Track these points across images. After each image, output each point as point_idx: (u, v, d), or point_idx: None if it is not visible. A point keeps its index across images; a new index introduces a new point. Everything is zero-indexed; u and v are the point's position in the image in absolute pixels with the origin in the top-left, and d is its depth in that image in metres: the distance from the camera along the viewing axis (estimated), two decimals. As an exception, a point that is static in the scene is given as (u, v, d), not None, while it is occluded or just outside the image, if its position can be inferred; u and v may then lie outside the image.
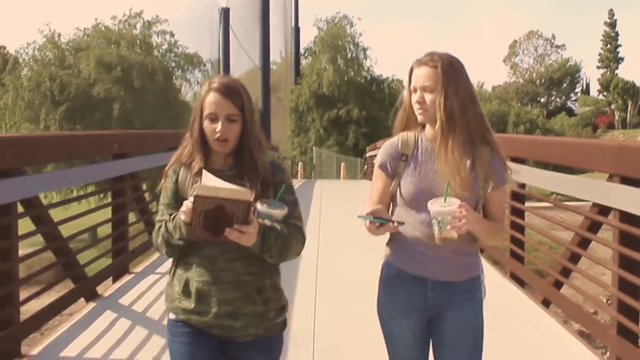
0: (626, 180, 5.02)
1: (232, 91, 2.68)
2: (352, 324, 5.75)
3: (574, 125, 72.14)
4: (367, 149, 30.29)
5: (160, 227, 2.68)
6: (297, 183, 17.17)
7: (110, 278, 7.31)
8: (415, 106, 2.88)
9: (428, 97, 2.83)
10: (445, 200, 2.73)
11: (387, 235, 3.01)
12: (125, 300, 6.53)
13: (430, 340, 3.03)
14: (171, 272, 2.82)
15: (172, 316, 2.79)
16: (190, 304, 2.69)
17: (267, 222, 2.60)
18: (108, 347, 5.17)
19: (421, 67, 2.87)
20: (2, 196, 4.78)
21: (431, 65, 2.83)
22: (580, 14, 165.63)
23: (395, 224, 2.76)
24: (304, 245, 2.77)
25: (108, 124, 35.97)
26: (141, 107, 37.69)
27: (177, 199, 2.72)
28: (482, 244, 3.06)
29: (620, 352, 5.10)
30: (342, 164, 36.09)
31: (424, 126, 2.97)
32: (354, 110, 48.47)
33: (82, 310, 6.18)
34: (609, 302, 5.87)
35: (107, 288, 6.98)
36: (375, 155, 21.98)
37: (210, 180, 2.51)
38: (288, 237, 2.66)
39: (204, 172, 2.61)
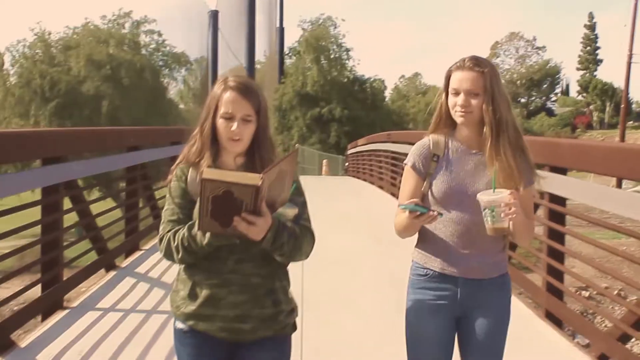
0: None
1: (250, 91, 2.63)
2: (336, 289, 6.89)
3: (554, 126, 73.12)
4: (349, 146, 30.93)
5: (176, 231, 2.61)
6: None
7: (124, 254, 8.51)
8: (457, 109, 2.91)
9: (474, 101, 2.87)
10: (494, 191, 2.79)
11: (414, 238, 3.10)
12: (138, 270, 7.73)
13: (457, 339, 3.09)
14: (176, 277, 2.78)
15: (178, 325, 2.73)
16: (195, 307, 2.63)
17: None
18: (132, 303, 6.36)
19: (465, 71, 2.90)
20: (53, 178, 5.98)
21: (477, 71, 2.87)
22: (561, 16, 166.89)
23: (435, 213, 2.78)
24: (313, 247, 2.72)
25: (97, 121, 36.73)
26: (129, 105, 38.44)
27: (187, 199, 2.66)
28: (517, 240, 3.10)
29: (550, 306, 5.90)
30: (324, 161, 37.02)
31: (454, 129, 3.04)
32: (337, 109, 49.20)
33: (104, 277, 7.36)
34: None
35: (122, 261, 8.17)
36: (356, 153, 22.88)
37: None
38: (300, 237, 2.61)
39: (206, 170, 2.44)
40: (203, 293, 2.62)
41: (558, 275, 6.05)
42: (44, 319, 5.88)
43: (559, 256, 6.08)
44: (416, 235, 3.07)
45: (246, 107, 2.60)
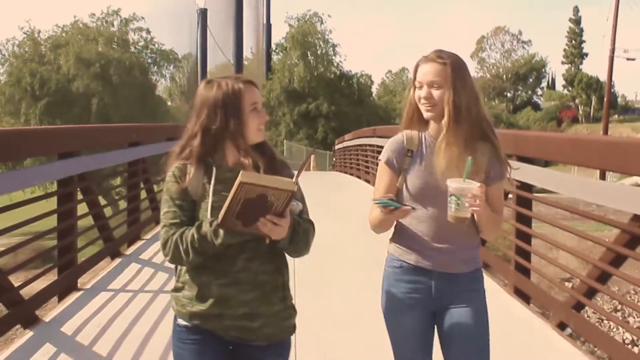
0: None
1: (257, 85, 2.72)
2: (324, 269, 7.50)
3: (539, 120, 73.72)
4: (336, 141, 31.33)
5: (182, 233, 2.57)
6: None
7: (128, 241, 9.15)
8: (422, 102, 2.91)
9: (435, 93, 2.86)
10: (464, 180, 2.76)
11: (389, 232, 3.11)
12: (142, 257, 8.36)
13: (437, 335, 3.10)
14: (177, 276, 2.75)
15: (180, 322, 2.71)
16: (204, 307, 2.62)
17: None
18: (139, 285, 6.99)
19: (428, 63, 2.90)
20: (69, 170, 6.61)
21: (440, 62, 2.86)
22: (546, 10, 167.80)
23: (409, 207, 2.79)
24: (313, 239, 2.73)
25: (87, 119, 36.67)
26: (119, 102, 38.54)
27: (188, 200, 2.63)
28: (482, 234, 3.08)
29: (517, 283, 6.53)
30: (312, 156, 37.77)
31: (426, 124, 3.02)
32: (324, 105, 49.79)
33: (111, 264, 7.97)
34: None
35: (125, 249, 8.79)
36: (343, 148, 23.35)
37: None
38: (308, 232, 2.66)
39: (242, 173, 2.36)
40: (213, 293, 2.60)
41: (526, 255, 6.66)
42: (60, 299, 6.49)
43: (526, 238, 6.67)
44: (392, 229, 3.10)
45: (260, 97, 2.72)
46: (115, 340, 5.28)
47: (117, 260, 8.09)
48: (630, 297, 11.71)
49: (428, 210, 2.95)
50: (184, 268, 2.68)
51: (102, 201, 13.84)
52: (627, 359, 5.01)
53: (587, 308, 6.31)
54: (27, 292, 5.74)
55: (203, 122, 2.63)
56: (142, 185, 10.03)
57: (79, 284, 6.86)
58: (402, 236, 3.06)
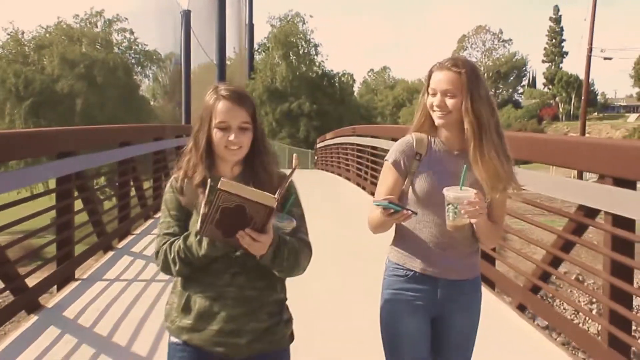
0: (620, 182, 4.82)
1: (243, 99, 2.58)
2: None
3: (520, 118, 74.35)
4: (318, 140, 31.57)
5: (172, 243, 2.54)
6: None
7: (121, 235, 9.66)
8: (435, 109, 2.87)
9: (449, 102, 2.82)
10: (461, 188, 2.74)
11: (390, 236, 3.10)
12: (133, 250, 8.89)
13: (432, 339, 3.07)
14: (172, 290, 2.70)
15: (172, 339, 2.66)
16: (189, 321, 2.57)
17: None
18: (132, 275, 7.50)
19: (443, 71, 2.85)
20: (66, 169, 7.13)
21: (455, 71, 2.82)
22: (527, 9, 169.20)
23: (410, 212, 2.72)
24: (310, 260, 2.66)
25: (71, 119, 37.26)
26: (103, 102, 39.14)
27: (182, 211, 2.60)
28: (481, 243, 3.05)
29: (483, 270, 7.04)
30: (294, 155, 38.19)
31: (436, 129, 2.97)
32: (306, 104, 50.23)
33: (104, 256, 8.48)
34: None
35: (117, 243, 9.31)
36: (324, 146, 23.76)
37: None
38: (299, 252, 2.55)
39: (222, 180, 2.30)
40: (197, 306, 2.56)
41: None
42: (59, 288, 6.98)
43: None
44: (392, 233, 3.06)
45: (242, 114, 2.55)
46: (113, 323, 5.76)
47: (110, 253, 8.60)
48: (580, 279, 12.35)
49: (434, 216, 2.90)
50: (177, 281, 2.65)
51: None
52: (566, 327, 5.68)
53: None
54: (28, 283, 6.24)
55: (194, 132, 2.65)
56: (131, 183, 10.57)
57: (76, 275, 7.36)
58: (405, 241, 3.01)
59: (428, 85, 2.92)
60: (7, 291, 5.94)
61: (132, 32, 43.47)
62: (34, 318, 5.90)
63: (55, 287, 7.03)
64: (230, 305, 2.54)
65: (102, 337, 5.48)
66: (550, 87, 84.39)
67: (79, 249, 7.74)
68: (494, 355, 4.88)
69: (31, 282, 6.32)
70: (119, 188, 10.25)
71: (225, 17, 37.38)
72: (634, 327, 5.37)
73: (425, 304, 2.97)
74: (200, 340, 2.57)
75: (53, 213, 7.36)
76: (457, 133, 2.90)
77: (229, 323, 2.54)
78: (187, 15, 36.26)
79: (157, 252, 2.59)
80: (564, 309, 11.36)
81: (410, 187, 2.94)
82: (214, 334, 2.55)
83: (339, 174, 20.94)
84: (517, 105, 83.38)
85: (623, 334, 4.69)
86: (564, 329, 5.80)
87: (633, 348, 4.89)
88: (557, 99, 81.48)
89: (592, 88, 77.65)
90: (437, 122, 2.89)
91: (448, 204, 2.74)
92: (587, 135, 51.93)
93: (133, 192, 10.84)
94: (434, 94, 2.87)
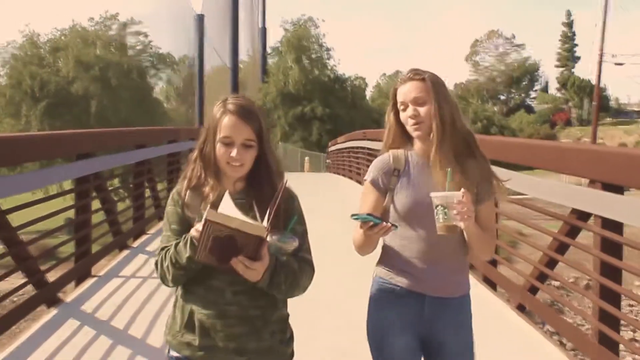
0: (608, 187, 5.08)
1: (250, 114, 2.53)
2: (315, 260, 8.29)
3: (533, 122, 74.10)
4: (330, 144, 31.92)
5: (166, 251, 2.52)
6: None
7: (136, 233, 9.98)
8: (409, 122, 2.83)
9: (421, 110, 2.79)
10: (447, 190, 2.69)
11: (376, 255, 3.03)
12: (148, 249, 9.20)
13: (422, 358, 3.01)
14: (174, 303, 2.67)
15: (173, 354, 2.63)
16: (194, 338, 2.54)
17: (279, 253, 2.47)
18: (147, 273, 7.80)
19: (408, 82, 2.84)
20: (87, 169, 7.48)
21: (418, 79, 2.81)
22: (539, 14, 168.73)
23: (389, 224, 2.67)
24: (312, 279, 2.63)
25: (86, 120, 37.59)
26: (117, 104, 39.34)
27: (184, 225, 2.55)
28: (473, 254, 2.98)
29: (486, 272, 7.32)
30: (306, 158, 38.42)
31: (411, 143, 2.95)
32: (318, 108, 50.28)
33: (119, 254, 8.79)
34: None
35: (132, 242, 9.63)
36: (336, 150, 23.97)
37: (227, 206, 2.35)
38: (299, 273, 2.53)
39: (226, 194, 2.43)
40: (199, 324, 2.53)
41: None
42: (77, 284, 7.29)
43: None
44: (379, 251, 3.01)
45: (247, 131, 2.50)
46: (129, 317, 6.07)
47: (125, 252, 8.92)
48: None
49: (417, 230, 2.85)
50: (179, 294, 2.63)
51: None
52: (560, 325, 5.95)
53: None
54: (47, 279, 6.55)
55: (199, 142, 2.61)
56: (146, 184, 10.90)
57: (93, 272, 7.68)
58: (391, 258, 2.95)
59: (395, 103, 2.90)
60: (27, 286, 6.22)
61: (146, 35, 43.76)
62: (53, 311, 6.20)
63: (73, 283, 7.31)
64: (233, 324, 2.52)
65: (118, 329, 5.78)
66: (563, 92, 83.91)
67: (95, 248, 8.03)
68: (495, 355, 5.07)
69: (50, 278, 6.60)
70: (134, 189, 10.59)
71: (238, 21, 37.82)
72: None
73: (413, 322, 2.91)
74: (202, 357, 2.55)
75: (66, 214, 7.68)
76: (431, 144, 2.84)
77: (232, 341, 2.52)
78: (200, 19, 36.59)
79: (155, 264, 2.60)
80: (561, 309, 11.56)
81: (392, 204, 2.91)
82: (217, 351, 2.53)
83: (350, 177, 21.20)
84: (529, 110, 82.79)
85: (612, 331, 4.96)
86: (559, 326, 6.06)
87: (621, 345, 5.17)
88: (569, 104, 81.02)
89: (605, 93, 77.20)
90: (414, 134, 2.86)
91: (437, 206, 2.68)
92: (599, 141, 52.03)
93: (148, 193, 11.16)
94: (405, 108, 2.85)
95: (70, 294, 6.90)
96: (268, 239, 2.34)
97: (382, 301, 2.96)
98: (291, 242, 2.46)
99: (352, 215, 2.68)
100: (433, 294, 2.88)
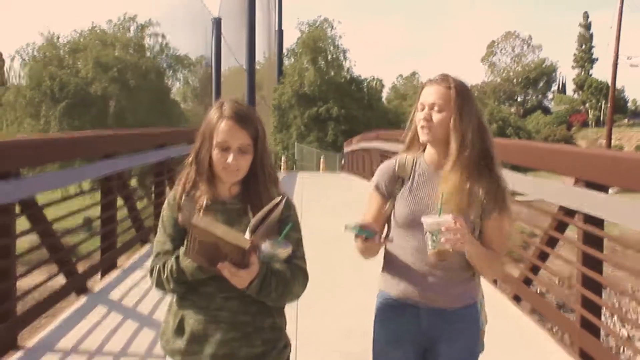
0: (591, 185, 5.52)
1: (246, 120, 2.51)
2: (324, 258, 8.64)
3: (549, 124, 73.97)
4: (345, 144, 32.48)
5: (165, 262, 2.51)
6: (280, 175, 19.24)
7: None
8: (420, 123, 2.78)
9: (435, 116, 2.73)
10: (439, 215, 2.62)
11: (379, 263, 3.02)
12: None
13: None
14: (168, 308, 2.68)
15: (168, 359, 2.64)
16: (182, 344, 2.55)
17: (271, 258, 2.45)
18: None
19: (433, 85, 2.78)
20: (114, 168, 8.06)
21: (444, 86, 2.74)
22: (557, 15, 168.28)
23: (382, 240, 2.67)
24: (305, 286, 2.60)
25: (104, 121, 37.91)
26: (135, 105, 39.70)
27: (178, 229, 2.55)
28: (481, 273, 2.90)
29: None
30: (322, 158, 38.92)
31: (424, 149, 2.89)
32: (334, 109, 50.37)
33: (141, 249, 9.30)
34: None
35: (154, 236, 10.11)
36: (351, 150, 24.42)
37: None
38: (290, 280, 2.51)
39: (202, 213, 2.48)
40: (190, 329, 2.54)
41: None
42: (103, 275, 7.82)
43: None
44: (382, 257, 2.98)
45: (243, 136, 2.49)
46: (152, 305, 6.53)
47: (147, 246, 9.46)
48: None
49: (414, 241, 2.79)
50: (173, 300, 2.64)
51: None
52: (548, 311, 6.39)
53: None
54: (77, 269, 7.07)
55: (195, 146, 2.60)
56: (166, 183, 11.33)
57: (118, 264, 8.23)
58: (391, 267, 2.94)
59: (418, 101, 2.84)
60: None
61: (163, 37, 44.10)
62: (83, 299, 6.74)
63: (99, 273, 7.81)
64: (224, 329, 2.51)
65: (143, 315, 6.30)
66: (580, 93, 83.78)
67: (119, 241, 8.57)
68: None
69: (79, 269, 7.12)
70: (156, 187, 11.05)
71: (255, 23, 37.98)
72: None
73: (411, 335, 2.87)
74: None
75: (86, 212, 8.24)
76: (442, 152, 2.81)
77: (223, 347, 2.51)
78: (217, 22, 37.04)
79: (151, 270, 2.59)
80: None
81: (392, 212, 2.90)
82: (208, 357, 2.52)
83: (364, 177, 21.55)
84: (546, 111, 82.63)
85: (593, 316, 5.44)
86: (547, 313, 6.55)
87: (601, 329, 5.66)
88: (586, 105, 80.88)
89: (622, 95, 77.07)
90: (422, 138, 2.81)
91: (426, 233, 2.63)
92: (616, 142, 52.06)
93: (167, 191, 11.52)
94: (422, 109, 2.79)
95: (98, 283, 7.43)
96: (262, 245, 2.37)
97: (382, 315, 2.95)
98: (285, 249, 2.43)
99: (346, 226, 2.66)
100: (430, 305, 2.83)
